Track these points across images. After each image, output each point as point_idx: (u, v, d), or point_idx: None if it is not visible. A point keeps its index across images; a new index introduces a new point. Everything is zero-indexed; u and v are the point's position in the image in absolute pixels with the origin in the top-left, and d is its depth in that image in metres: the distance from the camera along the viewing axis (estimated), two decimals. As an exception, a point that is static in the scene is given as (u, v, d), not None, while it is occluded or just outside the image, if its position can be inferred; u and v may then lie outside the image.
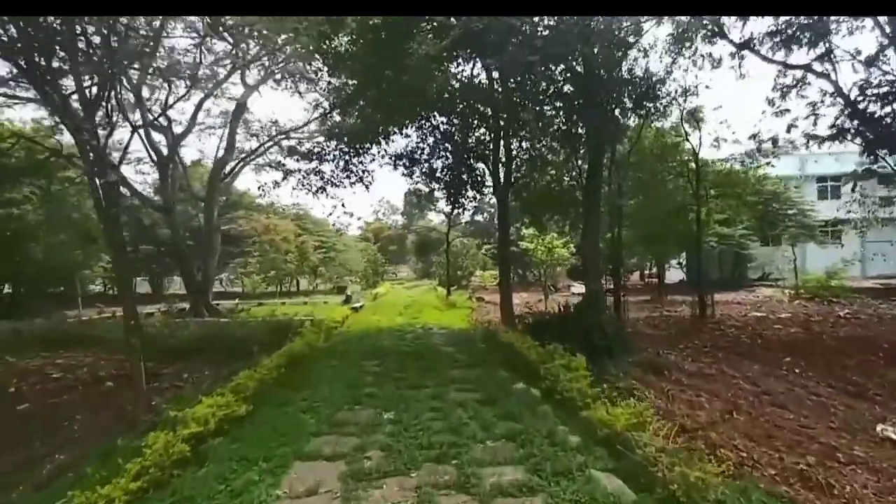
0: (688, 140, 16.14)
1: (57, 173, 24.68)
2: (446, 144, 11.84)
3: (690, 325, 13.90)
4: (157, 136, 18.05)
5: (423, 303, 22.40)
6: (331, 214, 20.85)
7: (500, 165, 11.95)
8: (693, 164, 16.79)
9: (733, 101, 19.65)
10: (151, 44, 10.38)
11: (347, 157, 11.81)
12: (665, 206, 17.73)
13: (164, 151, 17.79)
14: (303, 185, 11.85)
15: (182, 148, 19.05)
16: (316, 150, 11.79)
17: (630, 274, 42.33)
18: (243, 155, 20.49)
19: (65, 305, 22.70)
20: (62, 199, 22.13)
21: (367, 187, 12.44)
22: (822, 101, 13.50)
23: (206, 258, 19.01)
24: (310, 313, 16.06)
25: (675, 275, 38.66)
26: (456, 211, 12.76)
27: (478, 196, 12.57)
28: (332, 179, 12.27)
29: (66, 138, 22.28)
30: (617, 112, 11.04)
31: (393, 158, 12.29)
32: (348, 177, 12.28)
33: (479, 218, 41.45)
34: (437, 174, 12.33)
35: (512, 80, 9.77)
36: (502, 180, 11.97)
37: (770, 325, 13.46)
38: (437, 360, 8.56)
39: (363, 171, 12.27)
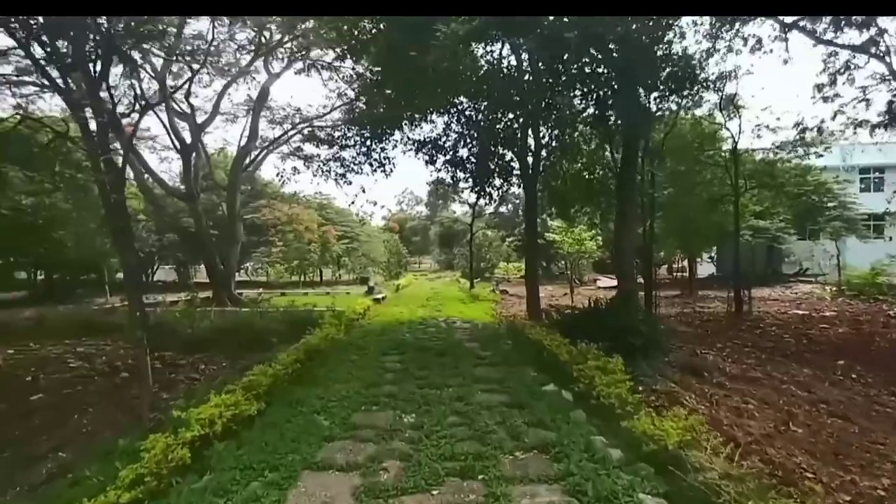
0: (726, 128, 15.23)
1: (83, 161, 25.14)
2: (472, 131, 11.26)
3: (727, 323, 13.12)
4: (181, 124, 17.92)
5: (446, 295, 21.98)
6: (352, 203, 20.65)
7: (529, 153, 11.35)
8: (729, 154, 15.97)
9: (775, 88, 18.60)
10: (167, 27, 10.00)
11: (369, 143, 11.36)
12: (700, 198, 16.86)
13: (188, 139, 17.64)
14: (323, 172, 11.45)
15: (206, 135, 18.93)
16: (336, 135, 11.36)
17: (657, 268, 41.20)
18: (266, 143, 20.24)
19: (97, 293, 23.11)
20: (88, 188, 22.36)
21: (387, 174, 12.01)
22: (874, 86, 12.57)
23: (229, 247, 18.90)
24: (331, 304, 15.78)
25: (704, 269, 37.45)
26: (482, 200, 12.16)
27: (505, 185, 12.00)
28: (353, 166, 11.85)
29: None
30: (654, 96, 10.34)
31: (416, 145, 11.79)
32: (370, 164, 11.84)
33: (503, 209, 40.78)
34: (463, 162, 11.76)
35: (542, 62, 9.14)
36: (531, 169, 11.37)
37: (815, 324, 12.58)
38: (461, 357, 8.10)
39: (385, 158, 11.82)
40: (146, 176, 18.16)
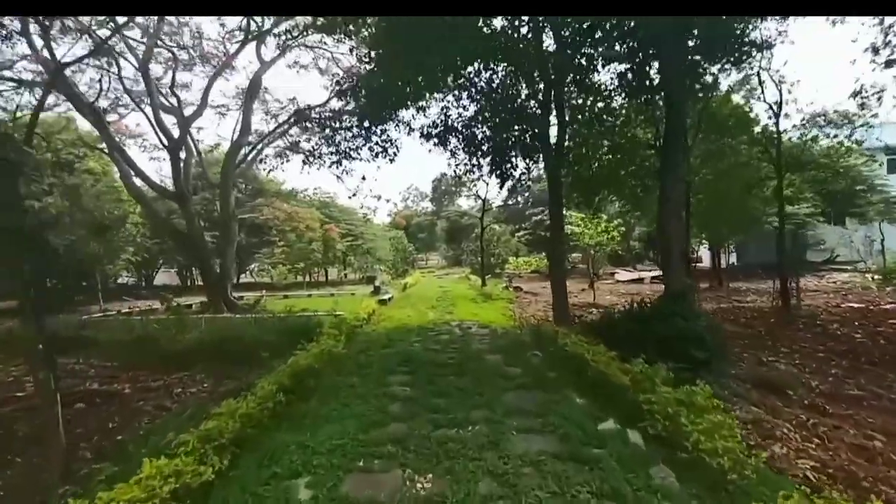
0: (766, 101, 13.54)
1: (76, 165, 23.81)
2: (488, 106, 9.62)
3: (777, 320, 11.47)
4: (168, 119, 16.47)
5: (456, 294, 20.42)
6: (353, 195, 19.02)
7: (552, 130, 9.77)
8: (763, 131, 14.30)
9: (815, 58, 16.77)
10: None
11: (367, 125, 9.78)
12: (734, 181, 15.17)
13: (177, 134, 16.18)
14: (314, 159, 9.88)
15: (200, 132, 17.43)
16: (328, 115, 9.77)
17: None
18: (261, 137, 18.75)
19: (95, 300, 21.77)
20: (80, 193, 21.03)
21: (391, 159, 10.44)
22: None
23: (224, 249, 17.44)
24: (332, 308, 14.29)
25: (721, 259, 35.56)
26: (507, 183, 10.47)
27: (530, 164, 10.33)
28: (349, 151, 10.28)
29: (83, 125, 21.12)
30: (696, 60, 8.71)
31: (424, 128, 10.20)
32: (370, 148, 10.28)
33: (512, 202, 39.13)
34: (478, 142, 10.14)
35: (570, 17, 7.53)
36: (554, 149, 9.77)
37: (881, 320, 10.89)
38: (485, 377, 6.53)
39: (386, 141, 10.22)
40: (133, 175, 16.68)
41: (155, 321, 11.98)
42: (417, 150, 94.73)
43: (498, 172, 10.00)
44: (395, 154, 10.41)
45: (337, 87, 9.19)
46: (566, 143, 10.11)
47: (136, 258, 25.26)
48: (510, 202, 39.16)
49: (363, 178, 21.02)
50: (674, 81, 8.05)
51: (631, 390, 4.92)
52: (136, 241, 22.19)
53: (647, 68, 8.18)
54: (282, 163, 21.62)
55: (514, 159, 9.98)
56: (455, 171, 11.39)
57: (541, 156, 9.85)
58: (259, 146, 19.11)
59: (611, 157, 11.18)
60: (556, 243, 10.13)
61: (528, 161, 10.18)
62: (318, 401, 5.86)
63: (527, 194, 37.72)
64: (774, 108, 13.37)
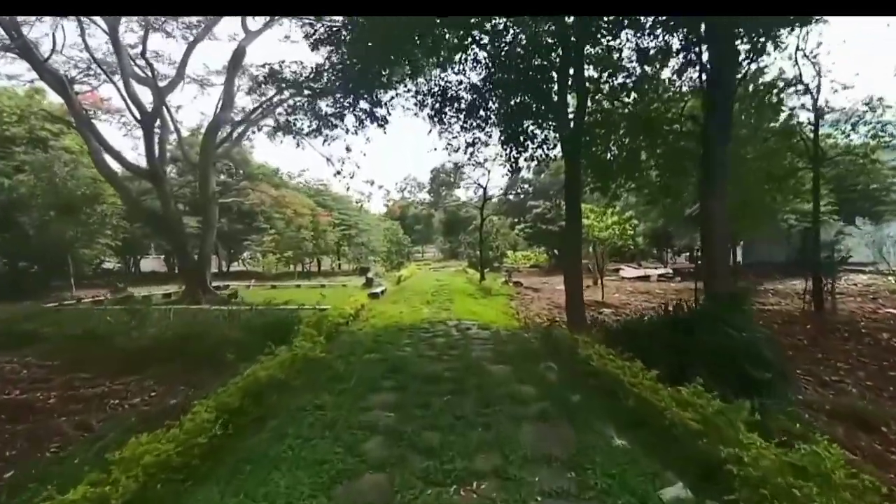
0: (802, 83, 12.10)
1: (50, 142, 22.14)
2: (498, 70, 8.08)
3: (815, 326, 10.08)
4: (143, 92, 14.87)
5: (454, 287, 18.98)
6: (338, 173, 17.26)
7: (571, 102, 8.29)
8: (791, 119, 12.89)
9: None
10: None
11: (353, 90, 8.20)
12: (759, 171, 13.71)
13: (151, 108, 14.58)
14: (289, 127, 8.35)
15: (180, 110, 15.76)
16: (307, 74, 8.18)
17: (677, 255, 38.07)
18: (247, 114, 17.16)
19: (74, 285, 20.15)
20: (53, 171, 19.41)
21: (380, 124, 8.88)
22: None
23: (203, 234, 15.92)
24: (317, 302, 12.84)
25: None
26: (522, 154, 8.90)
27: (550, 135, 8.75)
28: (329, 117, 8.74)
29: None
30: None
31: (419, 94, 8.66)
32: (355, 115, 8.74)
33: (511, 196, 37.61)
34: (487, 109, 8.61)
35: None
36: (573, 124, 8.30)
37: (936, 330, 9.52)
38: (492, 400, 5.09)
39: (375, 105, 8.61)
40: (104, 152, 15.07)
41: (109, 313, 10.48)
42: (415, 139, 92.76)
43: (512, 143, 8.49)
44: (384, 121, 8.86)
45: (314, 36, 7.61)
46: (585, 118, 8.63)
47: (116, 242, 23.65)
48: (510, 195, 37.63)
49: (348, 150, 18.46)
50: (723, 58, 6.60)
51: (706, 436, 3.48)
52: (112, 224, 20.54)
53: (692, 42, 6.72)
54: (281, 142, 20.05)
55: (529, 129, 8.48)
56: (458, 148, 9.85)
57: (555, 136, 8.39)
58: (244, 124, 17.53)
59: (631, 137, 9.71)
60: (571, 234, 8.68)
61: (544, 133, 8.66)
62: (272, 432, 4.40)
63: (526, 186, 36.21)
64: (812, 91, 11.96)
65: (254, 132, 18.62)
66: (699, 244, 33.13)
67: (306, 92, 8.48)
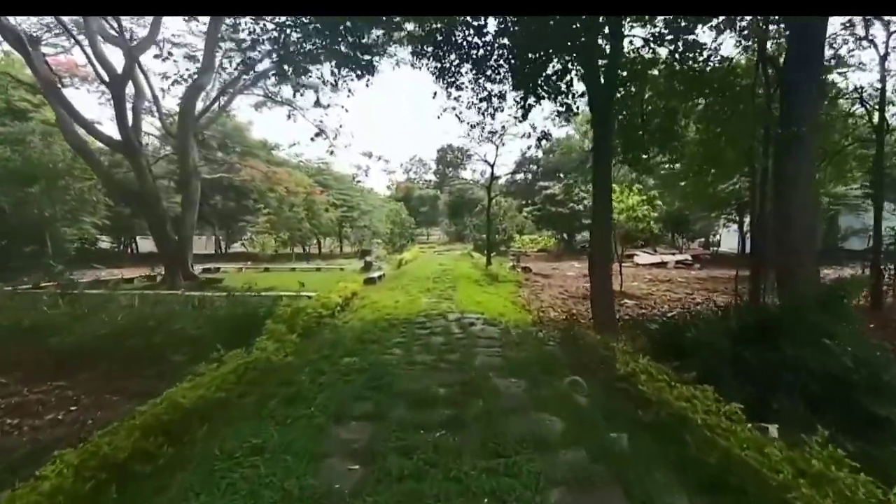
0: (869, 40, 10.27)
1: (30, 114, 20.59)
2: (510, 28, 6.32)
3: (880, 326, 8.46)
4: (113, 52, 13.22)
5: (458, 273, 17.41)
6: (318, 134, 15.75)
7: (605, 49, 6.59)
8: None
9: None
10: None
11: (335, 31, 6.45)
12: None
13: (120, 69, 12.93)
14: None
15: (167, 83, 14.03)
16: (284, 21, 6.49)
17: (690, 241, 36.21)
18: (231, 79, 15.48)
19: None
20: (28, 142, 17.89)
21: (361, 75, 7.18)
22: None
23: (183, 212, 14.40)
24: (300, 288, 11.35)
25: (728, 242, 32.39)
26: (557, 101, 7.08)
27: (571, 84, 7.01)
28: (301, 62, 7.05)
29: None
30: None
31: (422, 44, 6.94)
32: (336, 65, 7.02)
33: (520, 176, 35.76)
34: (505, 58, 6.85)
35: None
36: (603, 78, 6.61)
37: None
38: (504, 440, 3.54)
39: (356, 48, 6.84)
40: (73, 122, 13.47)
41: (50, 302, 9.03)
42: (420, 119, 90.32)
43: (527, 87, 6.79)
44: (369, 69, 7.11)
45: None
46: (620, 72, 6.92)
47: (103, 221, 22.20)
48: (518, 175, 35.79)
49: (318, 104, 16.56)
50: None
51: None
52: (93, 200, 19.04)
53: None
54: (269, 108, 18.44)
55: (553, 82, 6.78)
56: (470, 105, 8.09)
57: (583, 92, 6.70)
58: (230, 92, 15.87)
59: (672, 97, 8.01)
60: (600, 214, 7.00)
61: (568, 77, 6.89)
62: (180, 486, 2.89)
63: (535, 167, 34.33)
64: (881, 49, 10.13)
65: (248, 102, 16.98)
66: (717, 229, 30.87)
67: (270, 27, 6.75)
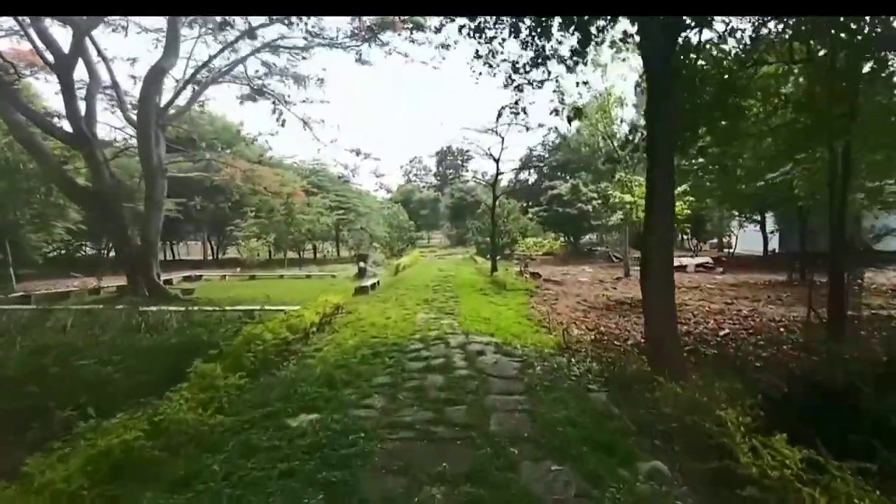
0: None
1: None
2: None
3: None
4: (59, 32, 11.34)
5: (460, 280, 15.45)
6: (286, 107, 13.78)
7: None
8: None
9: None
10: None
11: None
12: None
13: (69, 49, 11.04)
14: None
15: (136, 63, 12.19)
16: None
17: (701, 243, 34.09)
18: (201, 65, 13.57)
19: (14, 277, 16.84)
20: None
21: None
22: None
23: (147, 214, 12.48)
24: (265, 302, 9.43)
25: (744, 243, 30.23)
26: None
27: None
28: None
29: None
30: None
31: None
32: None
33: (524, 175, 33.79)
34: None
35: None
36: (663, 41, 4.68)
37: None
38: None
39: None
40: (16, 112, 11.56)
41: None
42: (420, 119, 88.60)
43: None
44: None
45: None
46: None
47: (78, 225, 20.26)
48: (522, 176, 33.82)
49: (281, 69, 14.66)
50: None
51: None
52: (60, 204, 17.13)
53: None
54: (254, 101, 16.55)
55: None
56: (520, 68, 6.06)
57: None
58: (204, 80, 13.97)
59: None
60: (659, 213, 4.95)
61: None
62: None
63: (541, 164, 32.37)
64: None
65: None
66: (731, 229, 28.63)
67: None
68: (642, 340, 7.52)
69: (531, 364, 5.59)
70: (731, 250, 30.82)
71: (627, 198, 11.94)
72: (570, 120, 6.19)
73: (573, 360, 6.02)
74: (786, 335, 7.56)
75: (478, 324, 8.02)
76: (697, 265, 20.47)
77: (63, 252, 23.46)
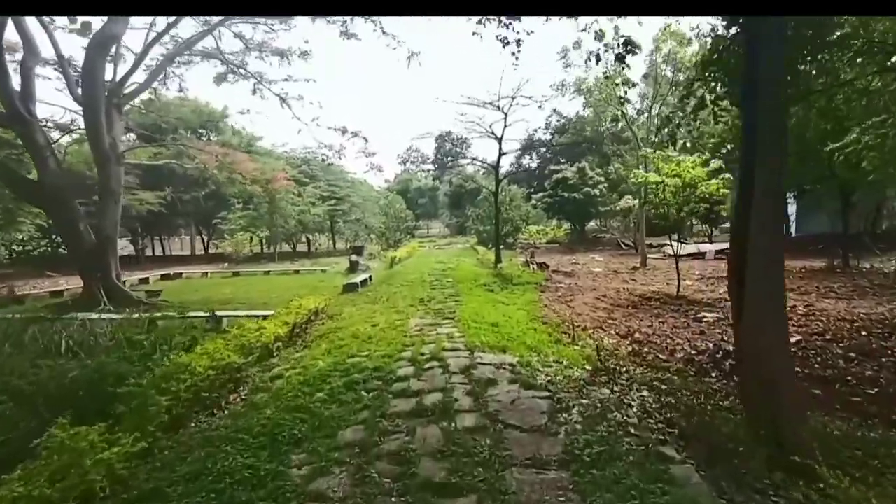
0: None
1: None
2: None
3: None
4: None
5: (461, 273, 13.76)
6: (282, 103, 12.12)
7: None
8: None
9: None
10: None
11: None
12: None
13: None
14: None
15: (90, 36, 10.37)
16: None
17: (712, 228, 32.23)
18: (161, 31, 11.75)
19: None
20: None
21: None
22: None
23: (101, 206, 10.81)
24: (215, 306, 7.80)
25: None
26: None
27: None
28: None
29: None
30: None
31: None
32: None
33: (526, 160, 31.90)
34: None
35: None
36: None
37: None
38: None
39: None
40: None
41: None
42: (416, 105, 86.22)
43: None
44: None
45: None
46: None
47: (46, 221, 18.53)
48: (523, 160, 31.96)
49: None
50: None
51: None
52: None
53: None
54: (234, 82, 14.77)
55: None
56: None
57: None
58: (165, 54, 12.17)
59: None
60: (764, 193, 3.21)
61: None
62: None
63: (544, 149, 30.53)
64: None
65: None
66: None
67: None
68: (694, 354, 5.91)
69: (563, 402, 3.93)
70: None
71: (653, 177, 10.21)
72: (621, 58, 4.46)
73: (615, 387, 4.37)
74: (877, 343, 5.88)
75: (484, 333, 6.35)
76: (717, 252, 18.77)
77: (47, 250, 21.72)
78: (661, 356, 5.78)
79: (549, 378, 4.59)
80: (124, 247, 29.93)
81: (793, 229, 26.13)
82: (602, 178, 25.45)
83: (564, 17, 4.64)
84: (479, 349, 5.57)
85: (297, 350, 6.28)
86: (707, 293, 10.21)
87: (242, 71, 14.68)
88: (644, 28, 10.23)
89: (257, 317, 7.74)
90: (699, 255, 18.59)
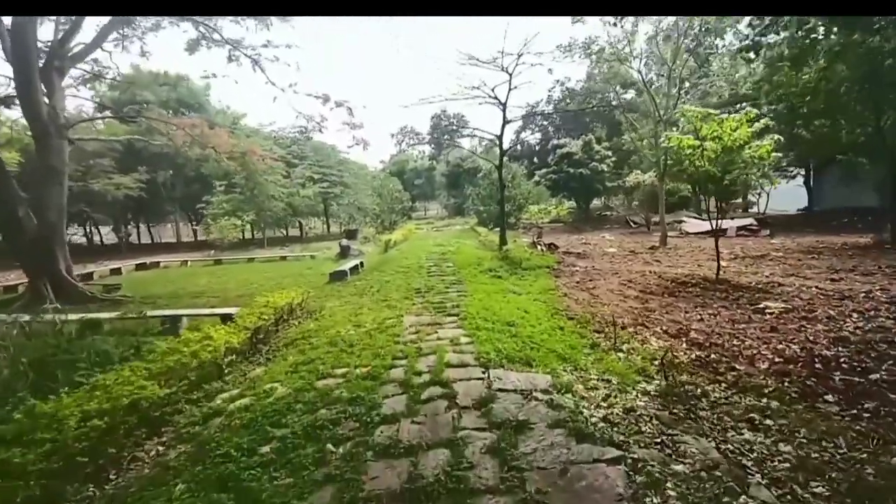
0: None
1: None
2: None
3: None
4: None
5: (463, 258, 12.20)
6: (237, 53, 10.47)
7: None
8: None
9: None
10: None
11: None
12: None
13: None
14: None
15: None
16: None
17: (726, 204, 30.62)
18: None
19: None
20: None
21: None
22: None
23: (43, 190, 9.22)
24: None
25: (780, 202, 26.87)
26: None
27: None
28: None
29: None
30: None
31: None
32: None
33: (526, 134, 30.09)
34: None
35: None
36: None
37: None
38: None
39: None
40: None
41: None
42: (413, 84, 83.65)
43: None
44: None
45: None
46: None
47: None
48: (524, 134, 30.17)
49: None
50: None
51: None
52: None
53: None
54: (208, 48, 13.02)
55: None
56: None
57: None
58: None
59: None
60: None
61: None
62: None
63: (546, 123, 28.74)
64: None
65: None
66: (758, 188, 25.32)
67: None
68: (782, 363, 4.42)
69: (644, 467, 2.45)
70: (762, 210, 27.42)
71: (688, 141, 8.62)
72: None
73: (706, 428, 2.90)
74: None
75: (499, 337, 4.86)
76: (739, 228, 17.29)
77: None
78: (735, 366, 4.31)
79: (604, 414, 3.12)
80: (107, 234, 28.38)
81: (807, 204, 24.63)
82: (609, 153, 23.75)
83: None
84: (496, 363, 4.09)
85: (255, 364, 4.81)
86: (751, 276, 8.71)
87: (217, 36, 12.93)
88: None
89: (220, 315, 6.30)
90: (721, 232, 17.09)
